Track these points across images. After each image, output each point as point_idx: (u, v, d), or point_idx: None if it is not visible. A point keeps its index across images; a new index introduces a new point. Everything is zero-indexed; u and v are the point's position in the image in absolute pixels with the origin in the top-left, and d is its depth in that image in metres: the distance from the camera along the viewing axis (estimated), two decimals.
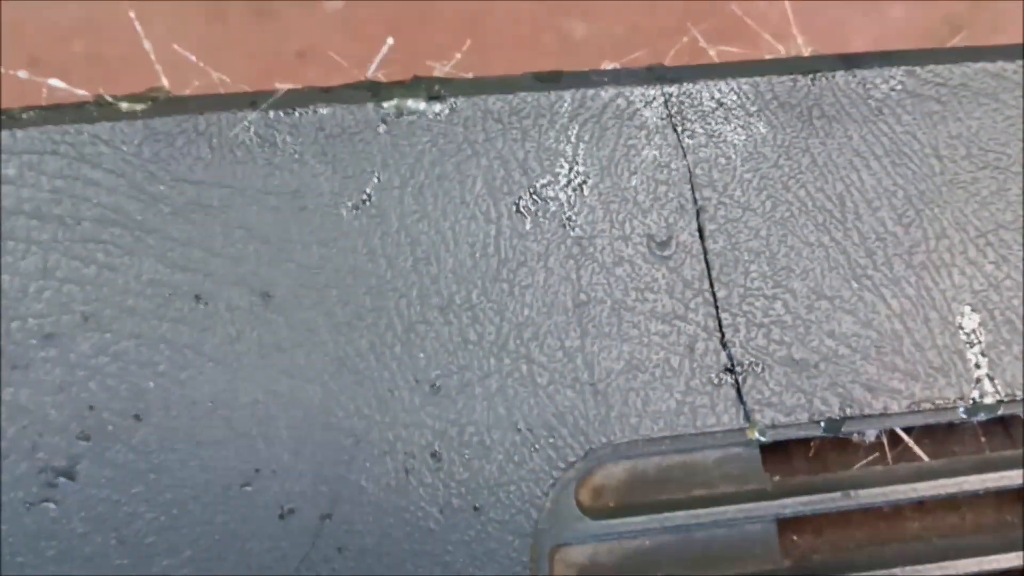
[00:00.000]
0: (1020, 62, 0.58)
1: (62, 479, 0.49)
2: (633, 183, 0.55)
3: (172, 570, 0.49)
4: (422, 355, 0.52)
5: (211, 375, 0.51)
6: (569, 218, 0.54)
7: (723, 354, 0.54)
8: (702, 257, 0.55)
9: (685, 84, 0.56)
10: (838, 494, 0.53)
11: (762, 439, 0.53)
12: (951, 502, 0.56)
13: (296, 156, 0.52)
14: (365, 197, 0.53)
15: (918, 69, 0.57)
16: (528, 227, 0.54)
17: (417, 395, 0.52)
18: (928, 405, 0.54)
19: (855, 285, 0.54)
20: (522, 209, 0.54)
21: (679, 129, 0.55)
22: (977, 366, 0.55)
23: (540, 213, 0.54)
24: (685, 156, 0.55)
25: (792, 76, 0.56)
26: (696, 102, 0.56)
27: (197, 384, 0.51)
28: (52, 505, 0.49)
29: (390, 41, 0.55)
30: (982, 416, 0.54)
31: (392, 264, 0.53)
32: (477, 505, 0.51)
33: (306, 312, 0.51)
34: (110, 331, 0.50)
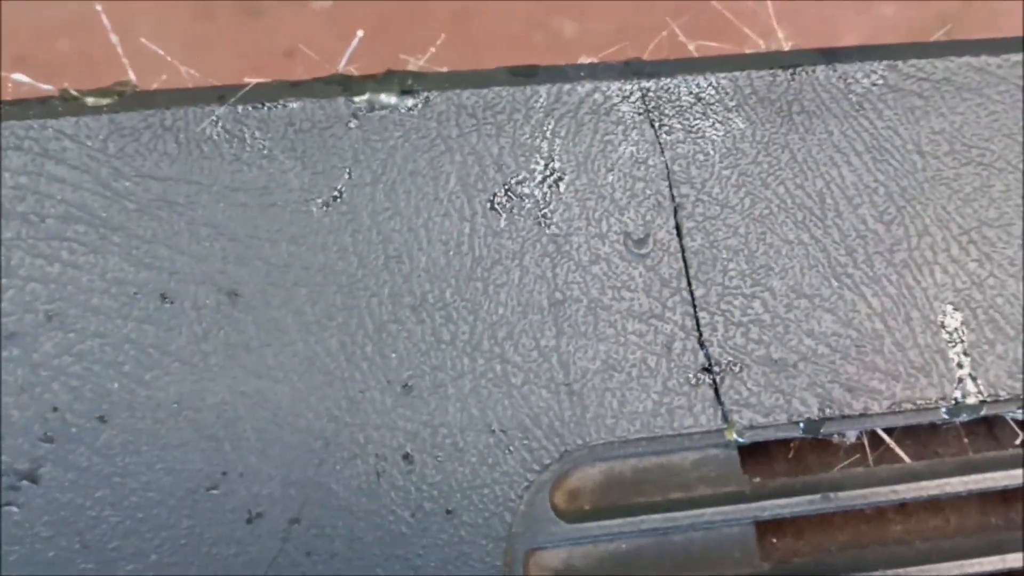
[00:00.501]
0: (1004, 57, 0.57)
1: (25, 482, 0.48)
2: (610, 180, 0.54)
3: (137, 574, 0.48)
4: (394, 355, 0.51)
5: (177, 375, 0.50)
6: (544, 215, 0.53)
7: (701, 354, 0.53)
8: (680, 255, 0.54)
9: (663, 79, 0.55)
10: (818, 496, 0.52)
11: (740, 440, 0.52)
12: (934, 504, 0.55)
13: (265, 152, 0.51)
14: (336, 194, 0.52)
15: (900, 63, 0.56)
16: (503, 225, 0.53)
17: (389, 396, 0.51)
18: (909, 406, 0.53)
19: (835, 283, 0.54)
20: (496, 206, 0.53)
21: (656, 125, 0.54)
22: (959, 366, 0.54)
23: (515, 210, 0.53)
24: (663, 152, 0.54)
25: (771, 71, 0.55)
26: (674, 97, 0.55)
27: (163, 385, 0.49)
28: (15, 509, 0.48)
29: (360, 34, 0.54)
30: (964, 417, 0.53)
31: (363, 262, 0.52)
32: (450, 508, 0.50)
33: (274, 311, 0.50)
34: (74, 331, 0.49)
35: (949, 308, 0.55)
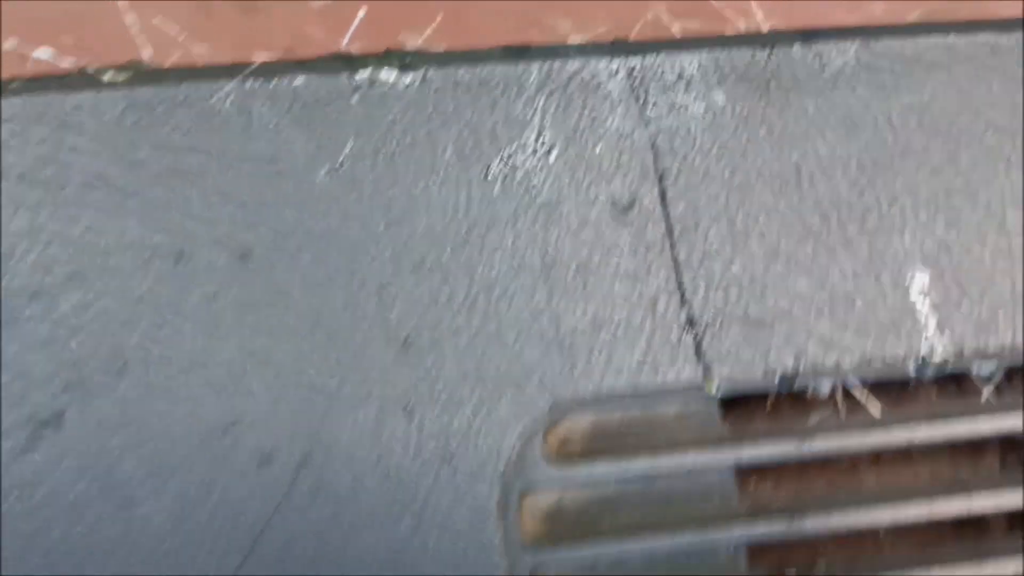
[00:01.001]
0: (970, 37, 0.61)
1: (47, 430, 0.51)
2: (598, 151, 0.57)
3: (153, 516, 0.51)
4: (394, 313, 0.54)
5: (190, 331, 0.53)
6: (536, 184, 0.56)
7: (683, 312, 0.56)
8: (663, 221, 0.57)
9: (648, 57, 0.58)
10: (792, 443, 0.55)
11: (720, 393, 0.55)
12: (904, 455, 0.58)
13: (272, 125, 0.55)
14: (339, 163, 0.55)
15: (872, 42, 0.59)
16: (497, 192, 0.56)
17: (390, 351, 0.54)
18: (879, 362, 0.56)
19: (809, 248, 0.57)
20: (491, 176, 0.56)
21: (641, 100, 0.58)
22: (927, 324, 0.57)
23: (508, 179, 0.56)
24: (647, 126, 0.58)
25: (751, 49, 0.59)
26: (658, 74, 0.58)
27: (177, 340, 0.53)
28: (37, 456, 0.51)
29: (362, 14, 0.58)
30: (931, 372, 0.57)
31: (365, 227, 0.55)
32: (448, 454, 0.53)
33: (281, 273, 0.54)
34: (93, 290, 0.52)
35: (918, 271, 0.58)
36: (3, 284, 0.52)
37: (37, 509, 0.50)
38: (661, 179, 0.57)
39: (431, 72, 0.56)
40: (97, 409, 0.52)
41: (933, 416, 0.57)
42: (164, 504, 0.51)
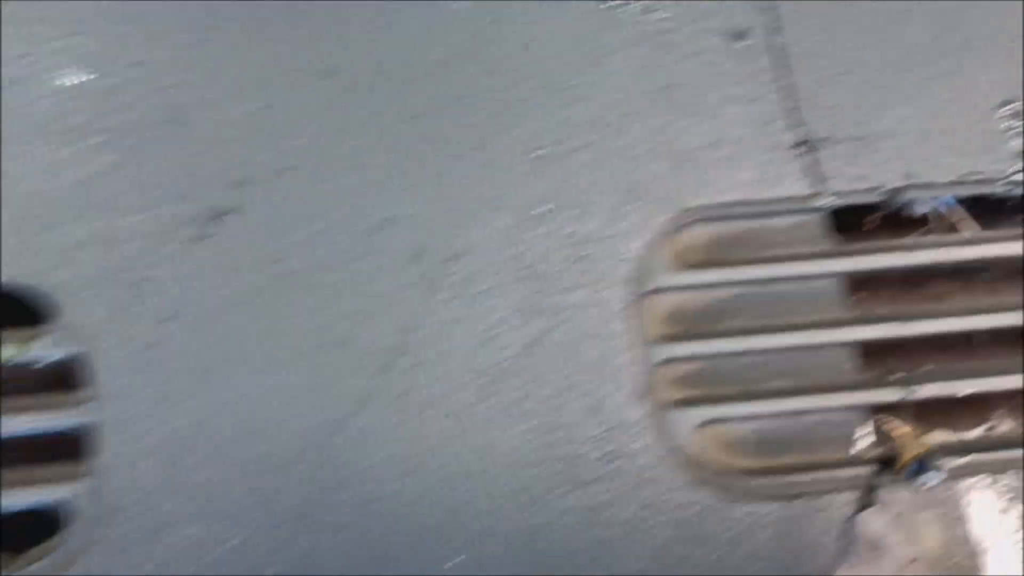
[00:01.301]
0: None
1: (222, 222, 0.57)
2: None
3: (312, 306, 0.56)
4: (528, 130, 0.59)
5: (350, 139, 0.58)
6: (655, 11, 0.61)
7: (795, 133, 0.61)
8: (776, 49, 0.61)
9: None
10: (894, 256, 0.60)
11: (828, 208, 0.60)
12: (999, 269, 0.62)
13: None
14: None
15: None
16: (616, 20, 0.61)
17: (525, 164, 0.59)
18: (975, 183, 0.61)
19: (912, 77, 0.61)
20: (611, 4, 0.61)
21: None
22: (1019, 148, 0.61)
23: (627, 7, 0.61)
24: None
25: None
26: None
27: (338, 146, 0.58)
28: (212, 246, 0.56)
29: None
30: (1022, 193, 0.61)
31: (501, 49, 0.60)
32: (579, 257, 0.58)
33: (425, 92, 0.59)
34: (262, 100, 0.58)
35: (1010, 99, 0.62)
36: (186, 94, 0.57)
37: (207, 296, 0.56)
38: (774, 9, 0.62)
39: None
40: (267, 206, 0.57)
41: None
42: (323, 297, 0.56)
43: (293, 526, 0.53)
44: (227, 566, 0.52)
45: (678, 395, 0.58)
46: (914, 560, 0.55)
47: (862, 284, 0.61)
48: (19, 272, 0.55)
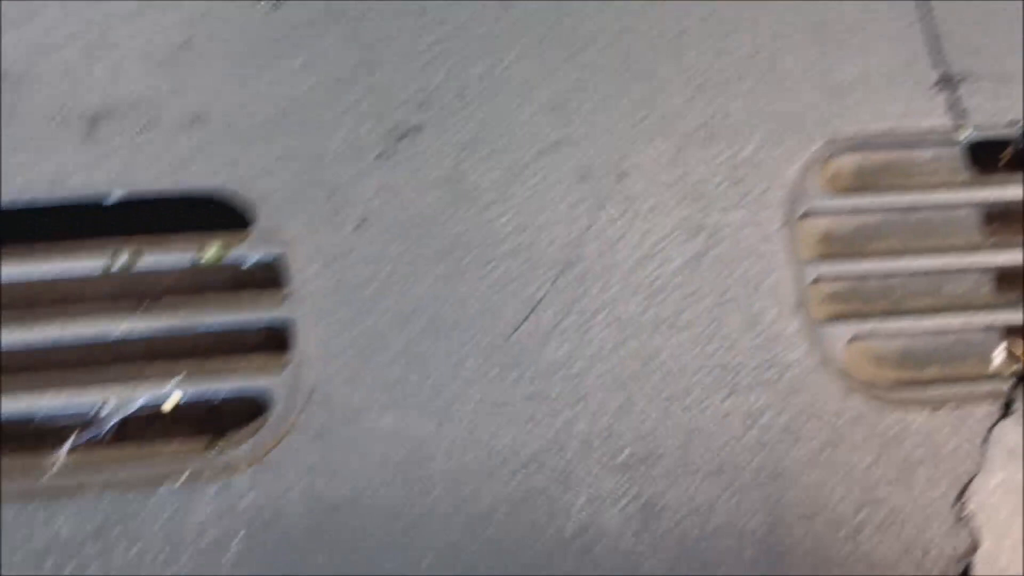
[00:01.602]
0: None
1: (406, 141, 0.61)
2: None
3: (489, 219, 0.60)
4: (690, 60, 0.63)
5: (524, 65, 0.62)
6: None
7: (939, 69, 0.64)
8: None
9: None
10: None
11: (968, 140, 0.63)
12: None
13: None
14: None
15: None
16: None
17: (687, 91, 0.63)
18: None
19: None
20: None
21: None
22: None
23: None
24: None
25: None
26: None
27: (511, 73, 0.62)
28: (398, 164, 0.60)
29: None
30: None
31: None
32: (736, 179, 0.62)
33: (593, 18, 0.63)
34: (443, 30, 0.62)
35: None
36: (373, 30, 0.61)
37: (397, 211, 0.60)
38: None
39: None
40: (447, 126, 0.61)
41: None
42: (499, 210, 0.61)
43: (475, 415, 0.57)
44: (420, 451, 0.56)
45: (829, 311, 0.62)
46: None
47: (997, 215, 0.65)
48: (227, 181, 0.59)
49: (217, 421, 0.58)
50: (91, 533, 0.54)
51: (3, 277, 0.57)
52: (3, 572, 0.54)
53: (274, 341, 0.58)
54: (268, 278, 0.59)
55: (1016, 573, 0.58)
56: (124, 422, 0.56)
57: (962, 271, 0.63)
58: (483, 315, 0.59)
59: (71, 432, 0.56)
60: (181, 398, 0.56)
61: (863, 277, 0.62)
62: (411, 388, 0.58)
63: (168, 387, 0.56)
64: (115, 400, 0.56)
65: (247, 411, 0.58)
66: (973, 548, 0.58)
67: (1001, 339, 0.62)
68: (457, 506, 0.57)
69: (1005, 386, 0.61)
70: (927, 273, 0.63)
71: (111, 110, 0.59)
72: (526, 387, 0.58)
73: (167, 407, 0.56)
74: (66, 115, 0.59)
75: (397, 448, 0.57)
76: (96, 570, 0.54)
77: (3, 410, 0.56)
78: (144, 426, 0.57)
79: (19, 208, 0.58)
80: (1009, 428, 0.61)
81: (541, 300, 0.60)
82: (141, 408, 0.56)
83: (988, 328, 0.62)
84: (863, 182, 0.64)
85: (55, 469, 0.55)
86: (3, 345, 0.56)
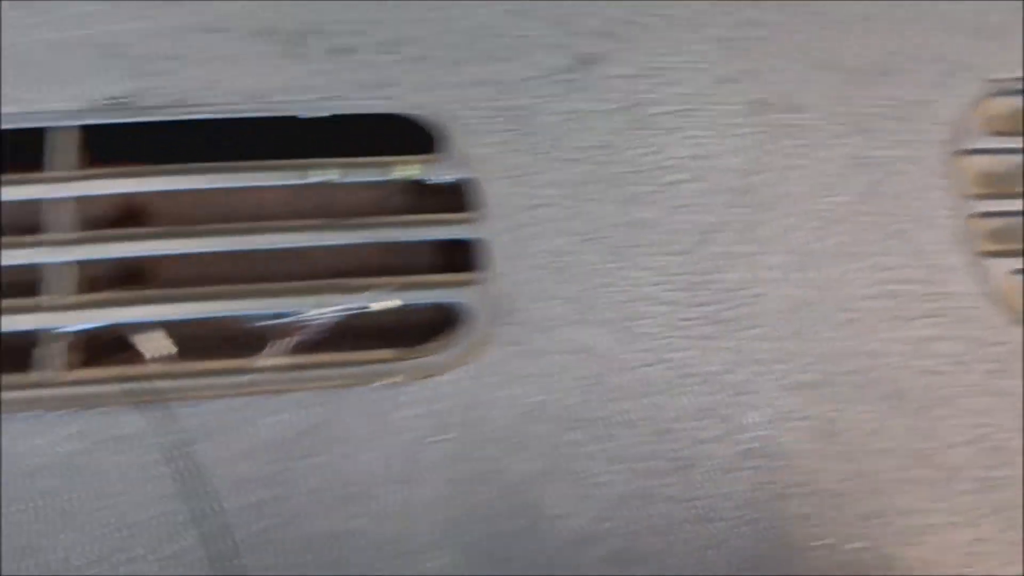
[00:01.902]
0: None
1: (585, 69, 0.63)
2: None
3: (663, 144, 0.63)
4: (860, 4, 0.66)
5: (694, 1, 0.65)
6: None
7: None
8: None
9: None
10: None
11: None
12: None
13: None
14: None
15: None
16: None
17: (858, 29, 0.65)
18: None
19: None
20: None
21: None
22: None
23: None
24: None
25: None
26: None
27: (682, 7, 0.65)
28: (581, 84, 0.63)
29: None
30: None
31: None
32: (904, 116, 0.64)
33: None
34: None
35: None
36: None
37: (581, 137, 0.62)
38: None
39: None
40: (629, 57, 0.63)
41: None
42: (673, 138, 0.63)
43: (657, 332, 0.59)
44: (606, 364, 0.59)
45: (991, 246, 0.64)
46: None
47: None
48: (422, 104, 0.61)
49: (413, 332, 0.60)
50: (302, 431, 0.56)
51: (206, 188, 0.59)
52: (213, 472, 0.56)
53: (466, 258, 0.60)
54: (459, 198, 0.61)
55: None
56: (327, 329, 0.58)
57: None
58: (662, 238, 0.62)
59: (278, 336, 0.58)
60: (382, 307, 0.58)
61: (1020, 214, 0.65)
62: (596, 305, 0.60)
63: (367, 297, 0.58)
64: (320, 307, 0.58)
65: (441, 323, 0.60)
66: None
67: None
68: (644, 417, 0.59)
69: None
70: None
71: (315, 30, 0.62)
72: (704, 308, 0.61)
73: (376, 307, 0.58)
74: (271, 31, 0.61)
75: (585, 361, 0.59)
76: (304, 471, 0.56)
77: (212, 314, 0.58)
78: (345, 334, 0.59)
79: (220, 120, 0.60)
80: None
81: (717, 226, 0.62)
82: (343, 316, 0.58)
83: None
84: (1020, 124, 0.66)
85: (262, 372, 0.57)
86: (210, 252, 0.58)
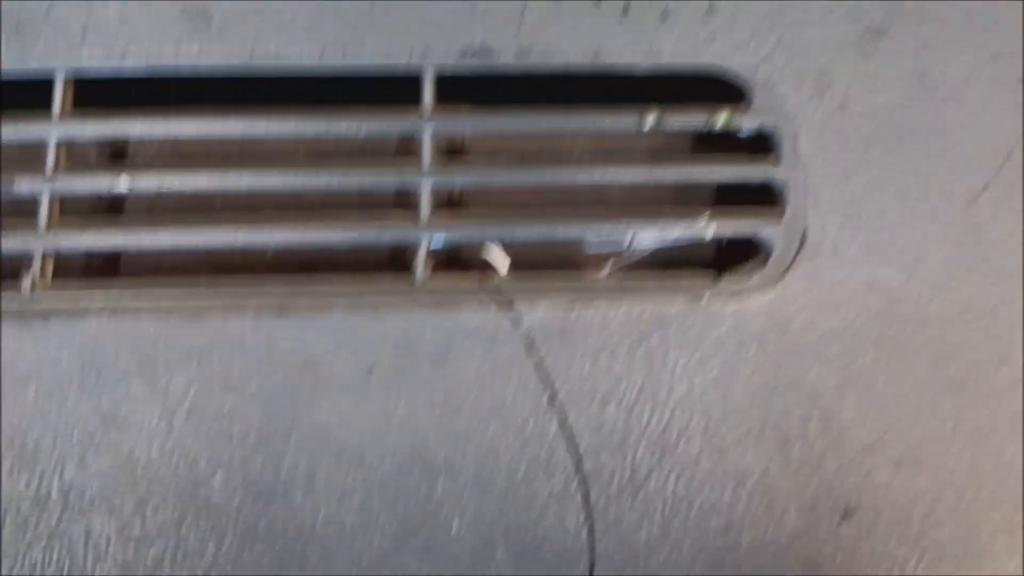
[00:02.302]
0: None
1: (876, 38, 0.71)
2: None
3: (951, 112, 0.70)
4: None
5: None
6: None
7: None
8: None
9: None
10: None
11: None
12: None
13: None
14: None
15: None
16: None
17: None
18: None
19: None
20: None
21: None
22: None
23: None
24: None
25: None
26: None
27: None
28: (871, 54, 0.71)
29: None
30: None
31: None
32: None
33: None
34: None
35: None
36: None
37: (869, 98, 0.70)
38: None
39: None
40: (913, 30, 0.71)
41: None
42: (959, 104, 0.71)
43: (940, 271, 0.67)
44: (894, 296, 0.67)
45: None
46: None
47: None
48: (732, 62, 0.70)
49: (718, 262, 0.69)
50: (631, 341, 0.66)
51: (544, 129, 0.69)
52: (555, 372, 0.65)
53: (767, 198, 0.69)
54: (763, 146, 0.70)
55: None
56: (646, 254, 0.68)
57: None
58: (941, 190, 0.69)
59: (599, 260, 0.68)
60: (698, 235, 0.68)
61: None
62: (885, 245, 0.68)
63: (686, 225, 0.68)
64: (645, 232, 0.68)
65: (743, 255, 0.69)
66: None
67: None
68: (926, 344, 0.67)
69: None
70: None
71: None
72: (981, 252, 0.68)
73: (703, 235, 0.67)
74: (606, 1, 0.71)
75: (875, 293, 0.67)
76: (629, 373, 0.65)
77: (545, 235, 0.68)
78: (660, 260, 0.68)
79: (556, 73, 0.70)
80: None
81: (988, 185, 0.70)
82: (661, 244, 0.68)
83: None
84: None
85: (593, 288, 0.67)
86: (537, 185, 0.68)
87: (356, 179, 0.67)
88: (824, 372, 0.66)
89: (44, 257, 0.67)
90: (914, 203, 0.69)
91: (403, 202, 0.69)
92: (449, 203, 0.70)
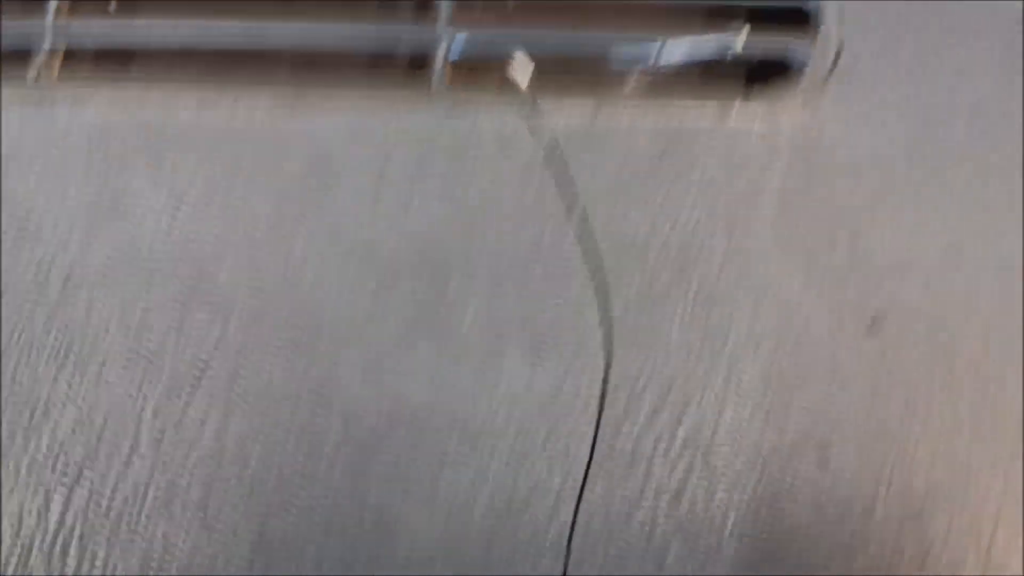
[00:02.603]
0: None
1: None
2: None
3: None
4: None
5: None
6: None
7: None
8: None
9: None
10: None
11: None
12: None
13: None
14: None
15: None
16: None
17: None
18: None
19: None
20: None
21: None
22: None
23: None
24: None
25: None
26: None
27: None
28: None
29: None
30: None
31: None
32: None
33: None
34: None
35: None
36: None
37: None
38: None
39: None
40: None
41: None
42: None
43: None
44: (930, 116, 0.65)
45: None
46: None
47: None
48: None
49: (748, 81, 0.67)
50: (656, 154, 0.64)
51: None
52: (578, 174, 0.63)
53: (801, 19, 0.67)
54: None
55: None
56: (676, 66, 0.66)
57: None
58: (983, 14, 0.67)
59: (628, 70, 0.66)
60: (728, 46, 0.65)
61: None
62: (920, 65, 0.66)
63: (716, 37, 0.65)
64: (674, 45, 0.65)
65: (775, 73, 0.66)
66: None
67: None
68: (957, 174, 0.65)
69: None
70: None
71: None
72: None
73: (737, 49, 0.65)
74: None
75: (910, 112, 0.65)
76: (655, 183, 0.63)
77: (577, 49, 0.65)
78: (690, 73, 0.66)
79: None
80: None
81: None
82: (692, 55, 0.66)
83: None
84: None
85: (621, 96, 0.65)
86: None
87: None
88: (853, 192, 0.64)
89: (52, 51, 0.64)
90: (954, 29, 0.67)
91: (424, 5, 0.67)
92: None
